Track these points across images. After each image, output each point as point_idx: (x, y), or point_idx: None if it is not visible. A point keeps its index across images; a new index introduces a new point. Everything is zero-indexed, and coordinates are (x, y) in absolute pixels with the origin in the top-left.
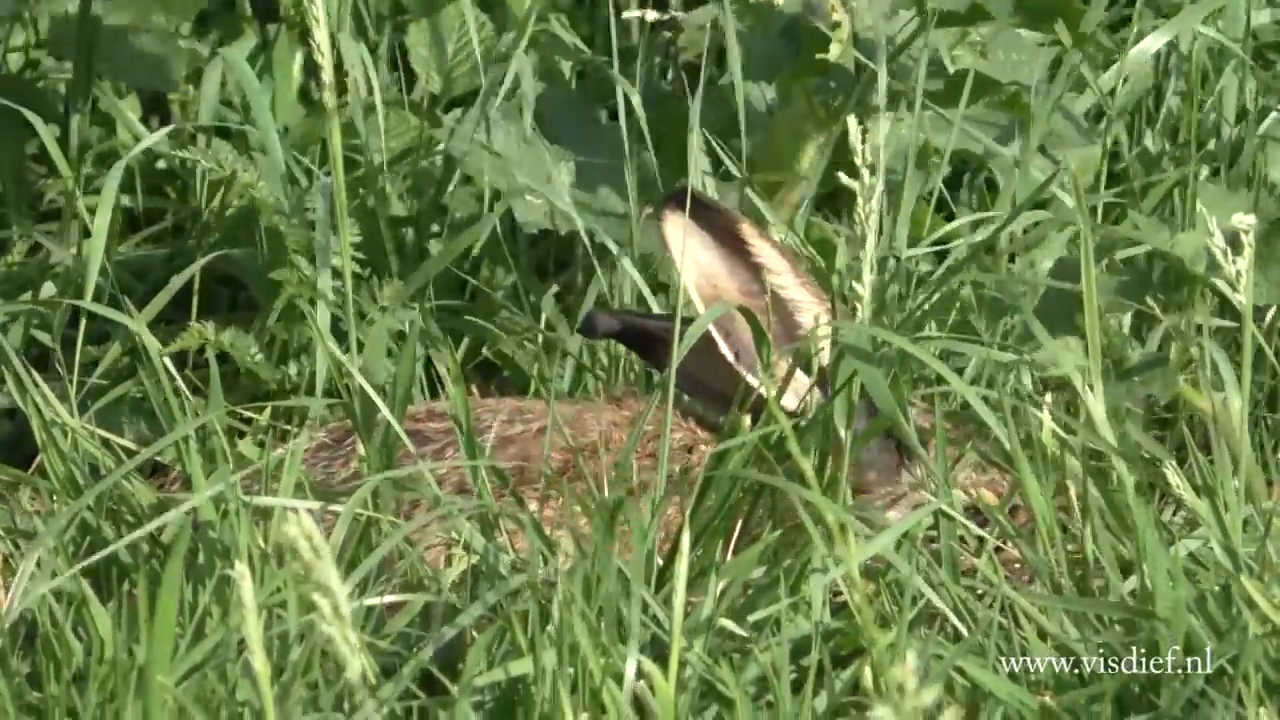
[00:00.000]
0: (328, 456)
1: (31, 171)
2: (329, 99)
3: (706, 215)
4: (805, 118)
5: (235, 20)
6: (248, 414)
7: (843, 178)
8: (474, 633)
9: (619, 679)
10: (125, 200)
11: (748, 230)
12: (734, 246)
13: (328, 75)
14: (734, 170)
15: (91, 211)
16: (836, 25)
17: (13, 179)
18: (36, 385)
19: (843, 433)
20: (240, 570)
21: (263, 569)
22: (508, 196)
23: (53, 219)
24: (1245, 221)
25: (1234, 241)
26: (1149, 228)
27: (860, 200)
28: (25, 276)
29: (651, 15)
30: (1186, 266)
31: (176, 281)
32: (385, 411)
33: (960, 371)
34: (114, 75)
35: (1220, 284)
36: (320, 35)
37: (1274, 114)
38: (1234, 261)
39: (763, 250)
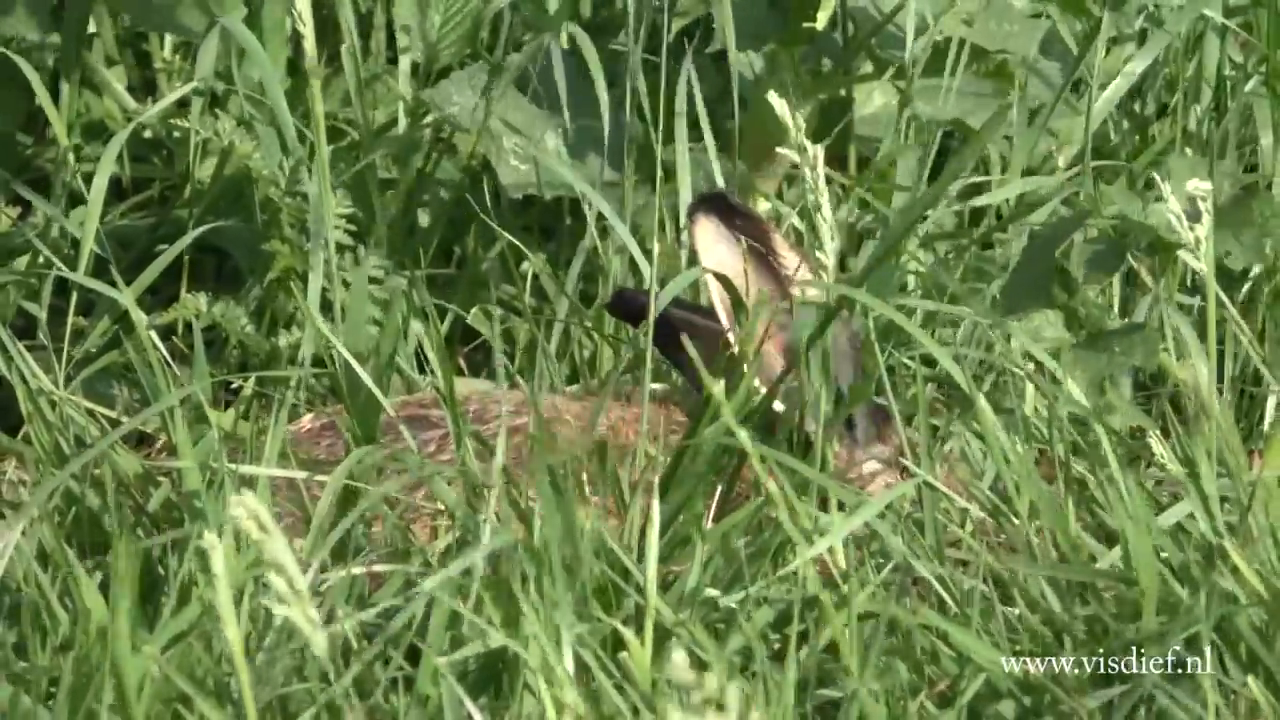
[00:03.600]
0: (331, 436)
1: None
2: (311, 61)
3: (737, 221)
4: (793, 87)
5: None
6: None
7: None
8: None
9: (603, 644)
10: (113, 169)
11: (778, 240)
12: (762, 255)
13: (309, 45)
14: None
15: (83, 181)
16: None
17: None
18: (12, 359)
19: (822, 396)
20: (210, 540)
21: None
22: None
23: (35, 189)
24: (1201, 188)
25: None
26: (1124, 197)
27: (806, 170)
28: (11, 245)
29: None
30: (1161, 235)
31: (167, 255)
32: (367, 378)
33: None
34: (137, 21)
35: (1184, 253)
36: (301, 2)
37: (1255, 78)
38: (1193, 229)
39: (791, 262)
